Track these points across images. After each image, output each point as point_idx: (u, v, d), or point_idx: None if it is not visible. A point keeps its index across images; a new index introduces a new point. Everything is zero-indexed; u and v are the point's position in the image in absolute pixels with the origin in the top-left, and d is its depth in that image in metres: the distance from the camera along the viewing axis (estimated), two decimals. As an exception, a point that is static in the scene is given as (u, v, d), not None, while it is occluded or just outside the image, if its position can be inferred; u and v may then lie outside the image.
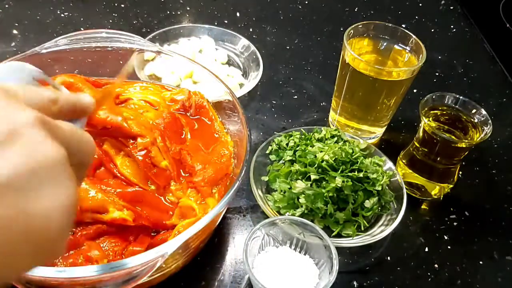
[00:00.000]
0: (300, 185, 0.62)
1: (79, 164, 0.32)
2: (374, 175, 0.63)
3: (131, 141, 0.59)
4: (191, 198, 0.58)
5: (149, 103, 0.67)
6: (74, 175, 0.30)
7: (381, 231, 0.61)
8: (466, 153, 0.66)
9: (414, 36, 0.72)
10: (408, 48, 0.73)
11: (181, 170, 0.61)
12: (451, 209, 0.70)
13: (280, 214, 0.63)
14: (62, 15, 0.99)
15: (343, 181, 0.61)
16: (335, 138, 0.71)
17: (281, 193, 0.64)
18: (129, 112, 0.62)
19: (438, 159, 0.67)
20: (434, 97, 0.67)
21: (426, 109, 0.66)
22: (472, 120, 0.66)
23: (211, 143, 0.65)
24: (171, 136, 0.62)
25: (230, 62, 0.92)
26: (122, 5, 1.04)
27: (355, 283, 0.60)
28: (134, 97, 0.68)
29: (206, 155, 0.63)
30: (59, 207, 0.28)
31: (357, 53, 0.72)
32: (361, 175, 0.62)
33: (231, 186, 0.51)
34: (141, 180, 0.58)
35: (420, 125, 0.67)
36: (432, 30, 1.08)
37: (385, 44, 0.75)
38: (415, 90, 0.89)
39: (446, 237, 0.67)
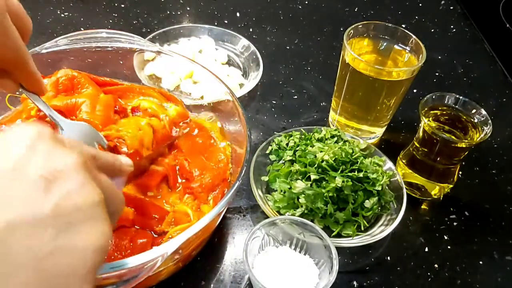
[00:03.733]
0: (300, 185, 0.62)
1: (109, 215, 0.33)
2: (374, 175, 0.63)
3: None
4: (187, 204, 0.58)
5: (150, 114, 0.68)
6: (109, 219, 0.32)
7: (381, 231, 0.62)
8: (466, 153, 0.66)
9: (414, 36, 0.72)
10: (408, 48, 0.73)
11: (178, 177, 0.61)
12: (451, 209, 0.70)
13: (280, 214, 0.63)
14: (62, 15, 0.99)
15: (343, 181, 0.61)
16: (335, 138, 0.72)
17: (281, 193, 0.64)
18: (126, 127, 0.62)
19: (438, 159, 0.67)
20: (434, 97, 0.67)
21: (426, 109, 0.67)
22: (472, 120, 0.66)
23: (208, 148, 0.66)
24: (164, 151, 0.63)
25: (230, 62, 0.92)
26: (122, 5, 1.04)
27: (355, 283, 0.60)
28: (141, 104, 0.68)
29: (203, 161, 0.63)
30: (94, 247, 0.29)
31: (357, 53, 0.72)
32: (361, 175, 0.62)
33: (231, 186, 0.51)
34: (138, 191, 0.59)
35: (420, 125, 0.67)
36: (432, 30, 1.08)
37: (385, 44, 0.75)
38: (415, 90, 0.89)
39: (446, 237, 0.67)
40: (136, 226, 0.55)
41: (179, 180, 0.61)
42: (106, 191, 0.33)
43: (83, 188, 0.30)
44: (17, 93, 0.62)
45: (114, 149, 0.60)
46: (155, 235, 0.55)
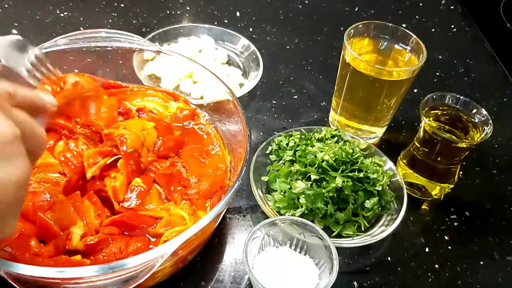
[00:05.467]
0: (300, 185, 0.62)
1: (30, 153, 0.34)
2: (375, 175, 0.63)
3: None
4: (184, 209, 0.58)
5: (152, 113, 0.68)
6: (27, 154, 0.33)
7: (381, 231, 0.61)
8: (466, 153, 0.66)
9: (414, 36, 0.72)
10: (408, 47, 0.73)
11: (171, 187, 0.61)
12: (452, 209, 0.70)
13: (280, 214, 0.62)
14: (62, 15, 0.99)
15: (343, 181, 0.61)
16: (335, 138, 0.71)
17: (281, 193, 0.64)
18: (130, 126, 0.62)
19: (439, 159, 0.66)
20: (434, 97, 0.67)
21: (426, 109, 0.66)
22: (473, 120, 0.66)
23: (207, 156, 0.66)
24: (164, 153, 0.63)
25: (230, 62, 0.92)
26: (122, 5, 1.04)
27: (355, 283, 0.60)
28: (146, 105, 0.69)
29: (201, 168, 0.63)
30: (14, 181, 0.31)
31: (358, 53, 0.72)
32: (361, 175, 0.62)
33: (231, 186, 0.51)
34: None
35: (420, 125, 0.67)
36: (433, 30, 1.08)
37: (385, 43, 0.75)
38: (415, 90, 0.89)
39: (446, 237, 0.67)
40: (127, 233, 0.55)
41: (173, 190, 0.61)
42: (23, 127, 0.34)
43: None
44: None
45: (115, 147, 0.60)
46: (152, 239, 0.55)
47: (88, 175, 0.57)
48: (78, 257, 0.50)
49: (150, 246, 0.54)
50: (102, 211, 0.55)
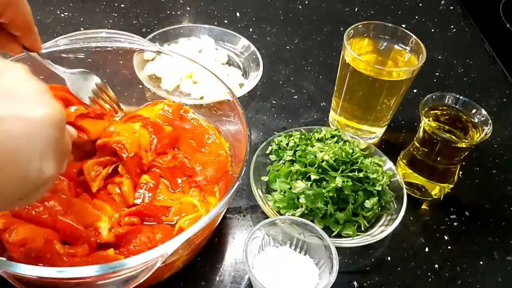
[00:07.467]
0: (300, 185, 0.62)
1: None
2: (374, 175, 0.63)
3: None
4: (194, 196, 0.59)
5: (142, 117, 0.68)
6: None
7: (381, 231, 0.61)
8: (466, 153, 0.66)
9: (414, 36, 0.72)
10: (408, 48, 0.73)
11: (177, 179, 0.62)
12: (451, 209, 0.70)
13: (280, 214, 0.63)
14: (62, 15, 0.99)
15: (343, 181, 0.61)
16: (335, 138, 0.71)
17: (281, 193, 0.64)
18: (122, 132, 0.62)
19: (438, 159, 0.67)
20: (434, 97, 0.67)
21: (426, 109, 0.66)
22: (472, 120, 0.66)
23: (206, 145, 0.66)
24: (162, 150, 0.64)
25: (230, 62, 0.92)
26: (122, 5, 1.04)
27: (355, 283, 0.60)
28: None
29: (203, 157, 0.64)
30: (50, 118, 0.32)
31: (357, 53, 0.72)
32: (361, 175, 0.62)
33: (231, 185, 0.51)
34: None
35: (420, 125, 0.67)
36: (432, 30, 1.08)
37: (385, 44, 0.75)
38: (415, 90, 0.89)
39: (446, 237, 0.67)
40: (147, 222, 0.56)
41: (179, 180, 0.62)
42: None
43: (29, 78, 0.33)
44: None
45: (115, 155, 0.60)
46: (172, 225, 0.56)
47: (94, 189, 0.57)
48: (111, 251, 0.50)
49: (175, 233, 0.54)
50: (117, 206, 0.56)
